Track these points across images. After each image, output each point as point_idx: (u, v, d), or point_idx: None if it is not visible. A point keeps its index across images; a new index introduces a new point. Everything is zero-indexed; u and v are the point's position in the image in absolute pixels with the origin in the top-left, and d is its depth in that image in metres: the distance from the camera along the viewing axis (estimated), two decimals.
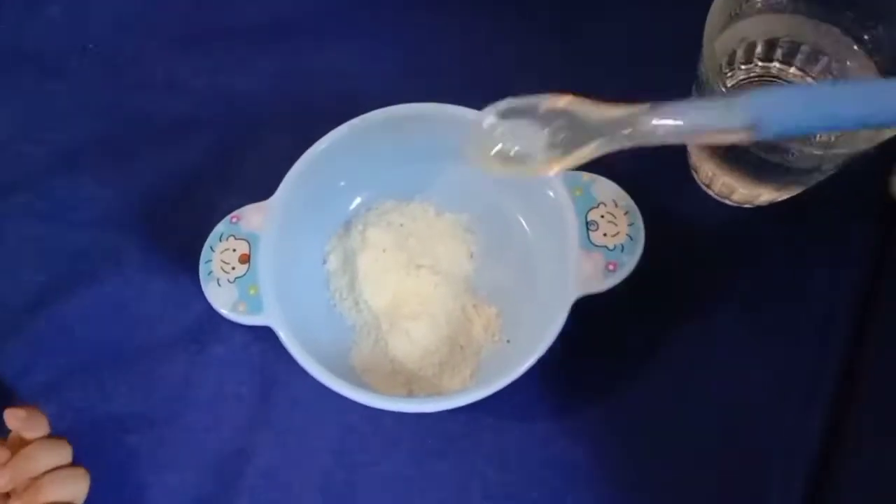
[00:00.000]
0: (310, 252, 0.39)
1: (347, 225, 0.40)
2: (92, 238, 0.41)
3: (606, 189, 0.35)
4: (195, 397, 0.38)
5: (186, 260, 0.38)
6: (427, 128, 0.38)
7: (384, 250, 0.39)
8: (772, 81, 0.36)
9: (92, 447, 0.36)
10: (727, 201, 0.38)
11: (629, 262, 0.33)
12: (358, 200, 0.40)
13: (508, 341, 0.37)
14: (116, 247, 0.41)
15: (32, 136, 0.44)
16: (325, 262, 0.40)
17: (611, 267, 0.33)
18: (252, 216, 0.35)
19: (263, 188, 0.36)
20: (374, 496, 0.36)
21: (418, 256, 0.39)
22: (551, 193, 0.35)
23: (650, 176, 0.36)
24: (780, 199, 0.37)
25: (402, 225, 0.40)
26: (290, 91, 0.44)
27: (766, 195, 0.36)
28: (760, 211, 0.38)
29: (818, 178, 0.34)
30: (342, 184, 0.39)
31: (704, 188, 0.39)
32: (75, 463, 0.35)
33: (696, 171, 0.39)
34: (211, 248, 0.35)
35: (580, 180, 0.35)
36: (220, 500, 0.36)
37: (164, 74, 0.45)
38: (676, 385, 0.37)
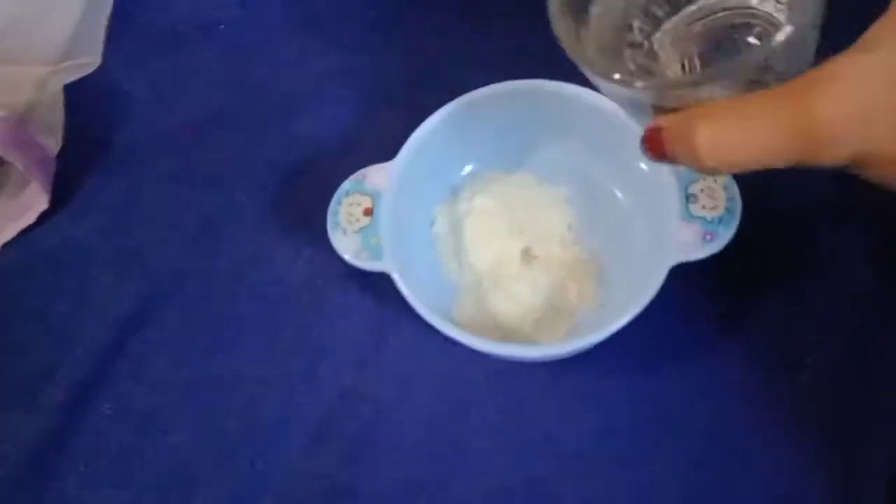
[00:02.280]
0: (420, 214, 0.42)
1: (455, 192, 0.43)
2: (223, 198, 0.46)
3: None
4: (314, 344, 0.41)
5: (310, 219, 0.42)
6: (530, 103, 0.41)
7: (490, 216, 0.42)
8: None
9: (212, 381, 0.41)
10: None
11: (726, 234, 0.36)
12: (468, 169, 0.43)
13: (603, 305, 0.40)
14: (244, 206, 0.45)
15: (169, 106, 0.49)
16: (432, 225, 0.43)
17: (708, 237, 0.36)
18: (375, 175, 0.39)
19: (381, 156, 0.40)
20: (475, 436, 0.39)
21: (520, 223, 0.42)
22: (653, 166, 0.38)
23: None
24: None
25: (506, 193, 0.43)
26: (404, 71, 0.48)
27: None
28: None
29: None
30: (453, 153, 0.42)
31: None
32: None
33: None
34: (338, 201, 0.39)
35: None
36: (334, 431, 0.39)
37: (288, 54, 0.49)
38: (762, 353, 0.39)
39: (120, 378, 0.42)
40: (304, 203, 0.44)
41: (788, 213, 0.41)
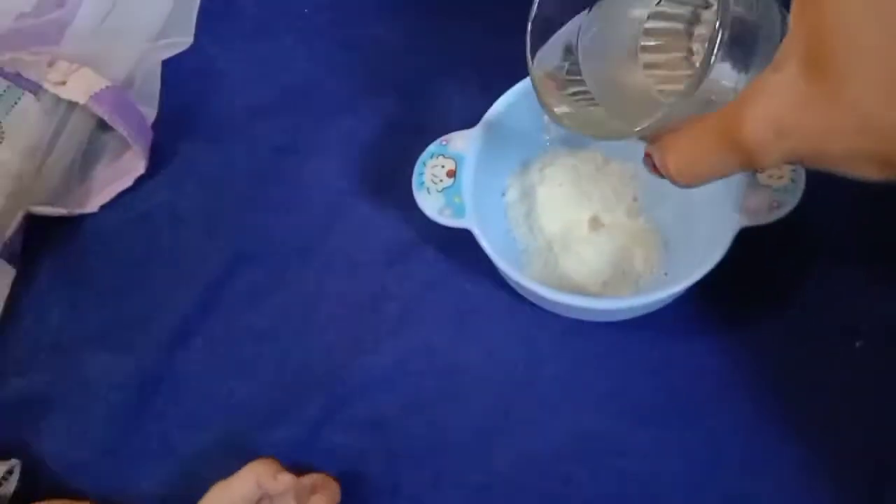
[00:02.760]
0: (495, 182, 0.45)
1: (525, 164, 0.46)
2: (308, 164, 0.49)
3: None
4: (394, 303, 0.44)
5: (392, 184, 0.45)
6: None
7: (560, 185, 0.44)
8: None
9: (294, 329, 0.44)
10: None
11: (791, 202, 0.38)
12: (540, 144, 0.46)
13: (666, 274, 0.42)
14: (328, 170, 0.49)
15: (255, 83, 0.53)
16: (503, 194, 0.45)
17: (774, 204, 0.38)
18: (458, 140, 0.42)
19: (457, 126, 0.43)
20: (542, 389, 0.41)
21: (588, 193, 0.44)
22: None
23: None
24: None
25: (574, 167, 0.45)
26: (478, 49, 0.51)
27: None
28: None
29: None
30: (528, 127, 0.45)
31: None
32: None
33: None
34: (423, 163, 0.42)
35: None
36: (411, 388, 0.42)
37: (369, 36, 0.53)
38: (816, 324, 0.41)
39: (210, 327, 0.45)
40: (386, 168, 0.47)
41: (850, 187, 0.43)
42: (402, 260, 0.45)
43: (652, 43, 0.33)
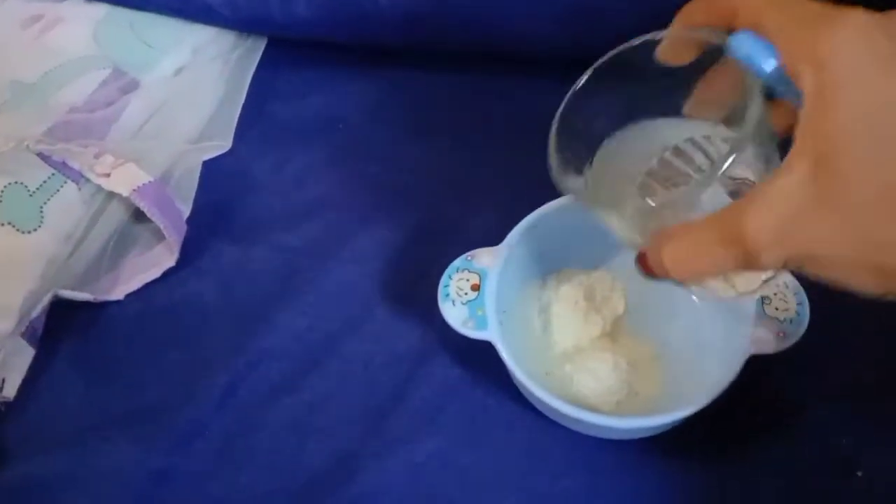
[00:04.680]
0: (516, 298, 0.47)
1: (544, 281, 0.48)
2: (335, 270, 0.51)
3: (781, 275, 0.42)
4: (410, 406, 0.45)
5: (415, 294, 0.48)
6: None
7: (575, 303, 0.47)
8: None
9: (313, 434, 0.45)
10: None
11: (796, 333, 0.40)
12: (561, 259, 0.48)
13: (672, 394, 0.44)
14: (353, 278, 0.51)
15: (287, 189, 0.56)
16: (519, 306, 0.48)
17: (780, 335, 0.40)
18: (483, 256, 0.44)
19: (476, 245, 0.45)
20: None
21: (603, 313, 0.46)
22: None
23: None
24: None
25: (589, 286, 0.48)
26: (495, 171, 0.54)
27: None
28: None
29: None
30: (549, 246, 0.48)
31: None
32: None
33: None
34: (449, 276, 0.44)
35: None
36: (423, 495, 0.43)
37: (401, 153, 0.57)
38: (814, 452, 0.42)
39: (226, 423, 0.46)
40: (410, 278, 0.49)
41: (855, 311, 0.45)
42: (420, 367, 0.46)
43: (658, 175, 0.35)
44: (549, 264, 0.49)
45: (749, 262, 0.27)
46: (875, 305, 0.46)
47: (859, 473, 0.41)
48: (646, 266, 0.31)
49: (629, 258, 0.48)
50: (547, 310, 0.47)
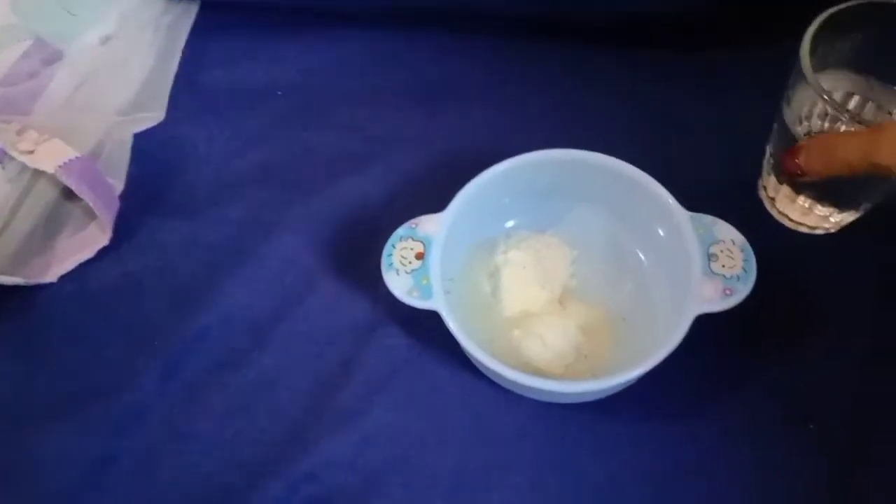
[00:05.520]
0: (463, 263, 0.46)
1: (493, 246, 0.47)
2: (275, 242, 0.49)
3: (725, 230, 0.42)
4: (360, 379, 0.44)
5: (360, 264, 0.46)
6: (564, 170, 0.45)
7: (524, 268, 0.46)
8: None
9: (258, 411, 0.44)
10: (799, 227, 0.47)
11: (743, 290, 0.40)
12: (509, 224, 0.48)
13: (624, 356, 0.44)
14: (294, 249, 0.49)
15: (224, 160, 0.54)
16: (469, 276, 0.47)
17: (727, 292, 0.40)
18: (427, 223, 0.43)
19: (425, 211, 0.44)
20: (503, 471, 0.42)
21: (550, 277, 0.46)
22: (674, 230, 0.42)
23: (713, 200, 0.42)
24: (847, 222, 0.46)
25: (537, 250, 0.47)
26: (448, 137, 0.53)
27: (842, 217, 0.45)
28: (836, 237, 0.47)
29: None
30: (495, 211, 0.47)
31: (775, 212, 0.48)
32: None
33: (766, 191, 0.47)
34: (392, 245, 0.43)
35: (703, 221, 0.42)
36: (373, 466, 0.42)
37: (341, 119, 0.55)
38: (767, 409, 0.42)
39: (168, 404, 0.44)
40: (355, 249, 0.48)
41: (798, 274, 0.45)
42: (369, 339, 0.45)
43: None
44: (498, 229, 0.48)
45: (872, 167, 0.36)
46: (819, 259, 0.47)
47: (811, 426, 0.42)
48: (786, 161, 0.40)
49: (579, 221, 0.48)
50: (496, 275, 0.46)
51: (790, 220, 0.48)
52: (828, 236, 0.47)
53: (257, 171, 0.52)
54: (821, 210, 0.46)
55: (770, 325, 0.44)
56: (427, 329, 0.44)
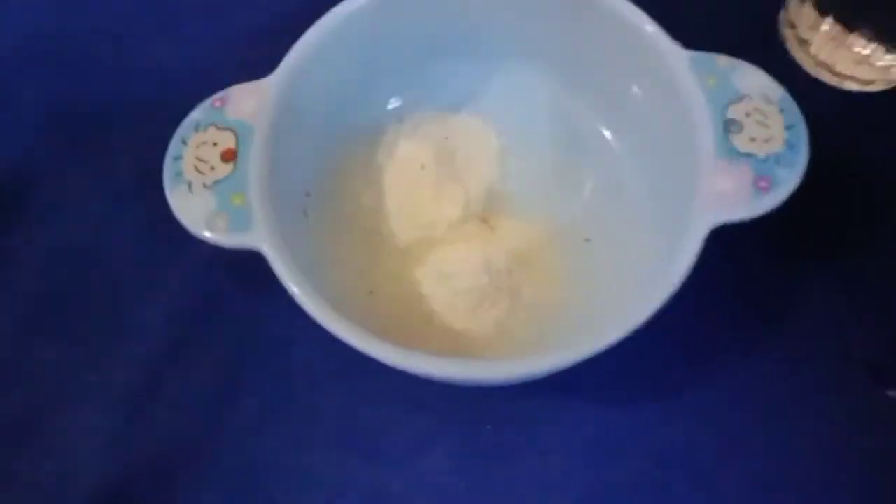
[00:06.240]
0: (319, 168, 0.28)
1: (373, 137, 0.29)
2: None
3: (751, 77, 0.24)
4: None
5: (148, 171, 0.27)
6: (477, 5, 0.28)
7: (422, 167, 0.28)
8: None
9: None
10: (846, 83, 0.31)
11: (789, 179, 0.23)
12: (393, 102, 0.30)
13: (587, 302, 0.27)
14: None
15: None
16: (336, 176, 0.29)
17: (762, 184, 0.23)
18: (243, 100, 0.25)
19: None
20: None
21: (462, 182, 0.29)
22: (664, 85, 0.25)
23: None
24: None
25: (442, 140, 0.29)
26: None
27: None
28: None
29: None
30: (367, 78, 0.29)
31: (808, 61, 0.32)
32: None
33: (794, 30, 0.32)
34: (183, 140, 0.24)
35: (715, 66, 0.24)
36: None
37: None
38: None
39: None
40: (139, 151, 0.29)
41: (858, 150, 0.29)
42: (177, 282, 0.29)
43: None
44: (378, 109, 0.30)
45: None
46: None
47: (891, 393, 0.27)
48: None
49: (508, 90, 0.30)
50: (377, 183, 0.28)
51: (833, 72, 0.32)
52: (890, 94, 0.31)
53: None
54: (886, 57, 0.30)
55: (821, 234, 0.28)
56: (253, 271, 0.25)
